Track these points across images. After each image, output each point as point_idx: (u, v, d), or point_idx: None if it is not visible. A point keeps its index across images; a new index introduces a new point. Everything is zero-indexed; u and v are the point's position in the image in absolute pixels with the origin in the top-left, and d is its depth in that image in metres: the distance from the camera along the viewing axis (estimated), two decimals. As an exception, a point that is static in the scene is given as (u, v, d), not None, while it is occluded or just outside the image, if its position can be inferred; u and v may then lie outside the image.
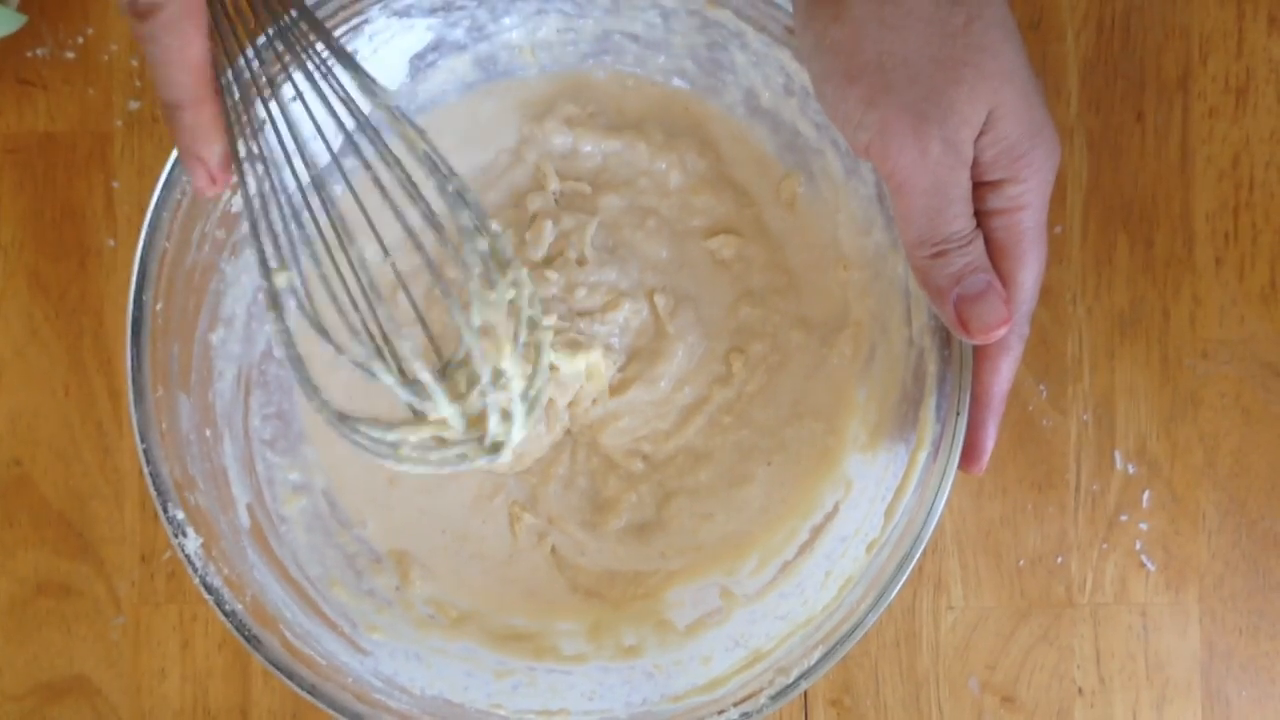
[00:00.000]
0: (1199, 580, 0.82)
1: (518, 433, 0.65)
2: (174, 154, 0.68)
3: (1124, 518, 0.82)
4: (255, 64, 0.64)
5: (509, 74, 0.81)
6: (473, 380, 0.64)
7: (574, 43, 0.79)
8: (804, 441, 0.80)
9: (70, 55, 0.83)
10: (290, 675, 0.69)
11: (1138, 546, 0.82)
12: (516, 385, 0.64)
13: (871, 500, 0.75)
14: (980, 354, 0.68)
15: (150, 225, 0.69)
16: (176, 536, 0.69)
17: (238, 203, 0.73)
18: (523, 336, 0.65)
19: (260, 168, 0.63)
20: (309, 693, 0.69)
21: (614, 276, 0.80)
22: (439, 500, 0.81)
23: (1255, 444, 0.82)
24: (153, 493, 0.68)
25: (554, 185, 0.80)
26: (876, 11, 0.60)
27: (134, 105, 0.83)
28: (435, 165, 0.63)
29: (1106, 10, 0.82)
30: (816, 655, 0.70)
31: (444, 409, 0.64)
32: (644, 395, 0.80)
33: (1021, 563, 0.82)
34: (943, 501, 0.69)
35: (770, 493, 0.80)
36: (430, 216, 0.63)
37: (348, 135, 0.64)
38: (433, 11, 0.75)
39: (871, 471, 0.76)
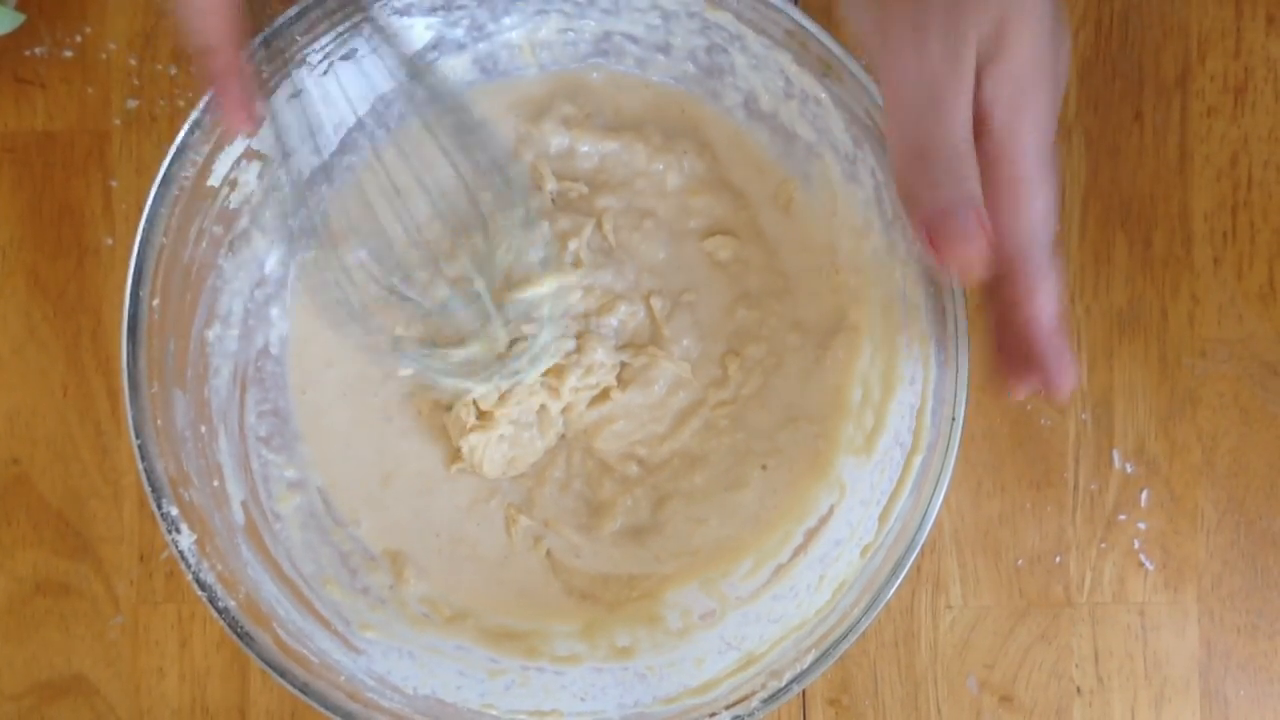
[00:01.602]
0: (1197, 579, 0.82)
1: (547, 336, 0.76)
2: (172, 150, 0.69)
3: (1122, 517, 0.82)
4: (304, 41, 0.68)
5: (508, 74, 0.81)
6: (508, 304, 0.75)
7: (574, 43, 0.79)
8: (799, 445, 0.80)
9: (68, 54, 0.83)
10: (282, 673, 0.69)
11: (1136, 546, 0.82)
12: (551, 304, 0.75)
13: (866, 504, 0.75)
14: (1018, 289, 0.61)
15: (147, 221, 0.69)
16: (170, 533, 0.69)
17: (236, 199, 0.73)
18: (550, 257, 0.75)
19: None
20: (301, 691, 0.69)
21: (609, 278, 0.80)
22: (434, 501, 0.80)
23: (1253, 443, 0.82)
24: (147, 488, 0.68)
25: (551, 185, 0.80)
26: None
27: (132, 104, 0.83)
28: (471, 131, 0.67)
29: (1105, 9, 0.82)
30: (810, 659, 0.70)
31: (494, 322, 0.74)
32: (639, 399, 0.80)
33: (1020, 562, 0.82)
34: (938, 506, 0.69)
35: (765, 496, 0.80)
36: (469, 178, 0.73)
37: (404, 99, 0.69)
38: (433, 10, 0.75)
39: (866, 475, 0.76)
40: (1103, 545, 0.82)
